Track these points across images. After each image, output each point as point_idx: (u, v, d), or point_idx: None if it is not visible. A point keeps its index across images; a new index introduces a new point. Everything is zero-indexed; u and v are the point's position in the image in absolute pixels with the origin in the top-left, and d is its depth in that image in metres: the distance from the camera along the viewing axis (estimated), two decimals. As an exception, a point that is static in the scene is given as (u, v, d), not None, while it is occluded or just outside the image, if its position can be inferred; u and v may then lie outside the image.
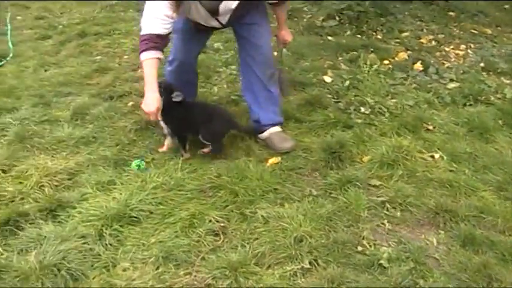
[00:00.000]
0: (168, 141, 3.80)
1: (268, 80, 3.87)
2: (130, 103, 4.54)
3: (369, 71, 4.97)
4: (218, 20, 3.59)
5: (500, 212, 3.18)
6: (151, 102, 3.39)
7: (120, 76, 5.16)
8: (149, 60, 3.36)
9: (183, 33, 3.78)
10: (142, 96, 4.52)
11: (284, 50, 4.47)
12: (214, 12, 3.50)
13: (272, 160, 3.66)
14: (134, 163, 3.59)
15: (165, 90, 3.53)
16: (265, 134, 3.89)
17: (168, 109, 3.56)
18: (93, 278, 2.67)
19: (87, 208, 3.12)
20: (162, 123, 3.67)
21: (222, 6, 3.46)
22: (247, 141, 3.88)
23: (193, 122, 3.66)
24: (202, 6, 3.44)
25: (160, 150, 3.80)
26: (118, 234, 2.95)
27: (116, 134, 4.05)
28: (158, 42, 3.34)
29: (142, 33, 3.39)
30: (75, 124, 4.19)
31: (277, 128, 3.93)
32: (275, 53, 4.15)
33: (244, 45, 3.85)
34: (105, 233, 2.93)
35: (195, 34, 3.80)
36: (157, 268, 2.73)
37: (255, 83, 3.87)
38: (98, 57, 5.75)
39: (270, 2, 3.77)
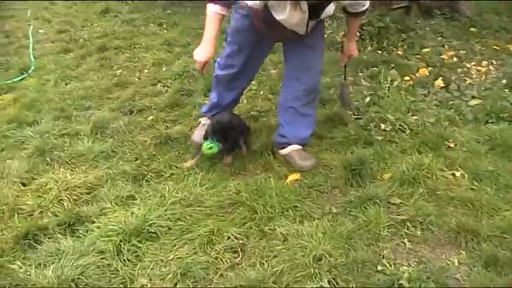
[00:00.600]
0: (196, 158, 3.80)
1: (309, 102, 3.85)
2: (150, 117, 4.56)
3: (389, 87, 4.93)
4: (307, 27, 3.48)
5: (523, 232, 3.12)
6: (203, 53, 3.41)
7: (140, 90, 5.19)
8: (214, 14, 3.34)
9: (249, 48, 3.70)
10: (162, 110, 4.62)
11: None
12: (317, 15, 3.41)
13: (292, 177, 3.64)
14: (206, 145, 3.63)
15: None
16: (286, 151, 3.87)
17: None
18: (111, 294, 2.67)
19: (105, 223, 3.14)
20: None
21: (326, 10, 3.40)
22: (267, 157, 3.86)
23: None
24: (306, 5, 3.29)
25: (186, 166, 3.77)
26: (136, 250, 2.95)
27: (135, 148, 4.07)
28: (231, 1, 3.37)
29: None
30: (95, 138, 4.22)
31: (299, 146, 3.90)
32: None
33: (294, 64, 3.76)
34: (124, 248, 2.93)
35: (260, 47, 3.75)
36: (175, 285, 2.73)
37: (294, 103, 3.82)
38: (118, 71, 5.79)
39: (351, 11, 3.65)
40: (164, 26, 7.34)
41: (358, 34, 3.92)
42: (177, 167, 3.79)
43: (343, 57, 4.09)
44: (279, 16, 3.34)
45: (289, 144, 3.87)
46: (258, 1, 3.30)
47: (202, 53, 3.41)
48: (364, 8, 3.60)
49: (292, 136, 3.87)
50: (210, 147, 3.58)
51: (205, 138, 3.69)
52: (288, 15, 3.31)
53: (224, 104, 4.02)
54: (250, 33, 3.59)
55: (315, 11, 3.34)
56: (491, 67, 5.93)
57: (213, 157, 3.74)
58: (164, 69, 5.71)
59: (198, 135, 4.02)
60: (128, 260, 2.88)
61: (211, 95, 4.16)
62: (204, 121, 4.13)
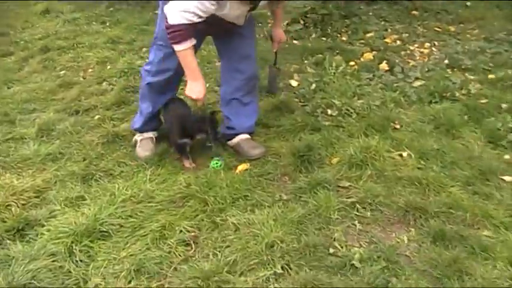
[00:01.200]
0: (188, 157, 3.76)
1: (250, 90, 3.87)
2: (97, 116, 4.50)
3: (334, 73, 4.98)
4: (246, 18, 3.53)
5: (468, 207, 3.20)
6: (200, 88, 3.41)
7: (85, 90, 5.11)
8: (188, 50, 3.27)
9: None
10: (108, 109, 4.56)
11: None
12: (256, 5, 3.45)
13: (241, 167, 3.65)
14: (213, 163, 3.67)
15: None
16: (234, 141, 3.88)
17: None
18: (65, 296, 2.65)
19: (55, 225, 3.09)
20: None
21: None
22: (215, 149, 3.85)
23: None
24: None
25: (187, 166, 3.73)
26: (88, 250, 2.92)
27: (83, 148, 4.02)
28: (191, 30, 3.23)
29: (172, 23, 3.18)
30: (40, 141, 4.14)
31: (247, 136, 3.92)
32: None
33: (232, 56, 3.77)
34: (75, 249, 2.90)
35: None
36: (130, 282, 2.72)
37: (236, 94, 3.83)
38: (62, 71, 5.68)
39: None
40: (107, 24, 7.23)
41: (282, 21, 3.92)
42: (126, 165, 3.76)
43: (273, 44, 4.14)
44: (220, 12, 3.31)
45: (237, 134, 3.88)
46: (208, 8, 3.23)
47: (199, 88, 3.41)
48: None
49: (239, 127, 3.89)
50: (219, 164, 3.66)
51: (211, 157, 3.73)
52: (229, 9, 3.31)
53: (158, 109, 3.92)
54: None
55: (255, 2, 3.39)
56: (433, 48, 6.06)
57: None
58: (109, 67, 5.63)
59: (143, 150, 3.92)
60: (81, 261, 2.84)
61: (141, 107, 3.97)
62: (139, 137, 4.00)
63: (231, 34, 3.65)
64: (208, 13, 3.21)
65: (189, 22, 3.17)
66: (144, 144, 3.92)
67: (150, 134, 3.98)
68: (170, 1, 3.19)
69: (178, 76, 3.76)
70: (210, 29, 3.53)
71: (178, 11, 3.14)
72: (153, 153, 3.83)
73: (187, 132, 3.64)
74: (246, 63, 3.76)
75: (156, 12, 6.78)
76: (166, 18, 3.21)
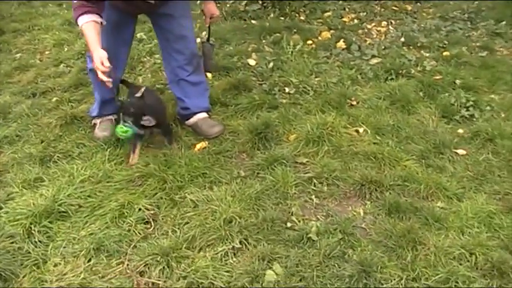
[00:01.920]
0: (137, 150, 3.57)
1: (195, 69, 3.85)
2: (55, 99, 4.45)
3: (292, 52, 5.01)
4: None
5: (423, 180, 3.29)
6: (96, 57, 3.12)
7: (42, 72, 5.04)
8: (87, 23, 3.13)
9: (111, 24, 3.42)
10: (66, 91, 4.53)
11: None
12: None
13: (199, 145, 3.67)
14: (120, 128, 3.34)
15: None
16: (192, 120, 3.89)
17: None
18: (24, 277, 2.66)
19: (13, 207, 3.08)
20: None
21: None
22: (174, 128, 3.87)
23: None
24: None
25: (132, 163, 3.51)
26: (47, 231, 2.92)
27: (40, 131, 3.98)
28: (93, 6, 3.12)
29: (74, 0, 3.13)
30: (-4, 124, 4.09)
31: (204, 114, 3.93)
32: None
33: (168, 38, 3.73)
34: (34, 230, 2.90)
35: (122, 23, 3.58)
36: (89, 260, 2.73)
37: (181, 74, 3.82)
38: (18, 54, 5.58)
39: None
40: (64, 6, 7.09)
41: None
42: (84, 146, 3.74)
43: (205, 20, 4.02)
44: None
45: (194, 113, 3.90)
46: None
47: (95, 58, 3.15)
48: None
49: (194, 106, 3.90)
50: (125, 131, 3.33)
51: (117, 122, 3.46)
52: None
53: (109, 97, 3.79)
54: (107, 10, 3.34)
55: None
56: (390, 27, 6.14)
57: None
58: (66, 49, 5.56)
59: (100, 131, 3.89)
60: (40, 242, 2.85)
61: (95, 95, 3.96)
62: (98, 120, 3.97)
63: (160, 15, 3.63)
64: None
65: None
66: (103, 125, 3.90)
67: (110, 117, 3.95)
68: None
69: (115, 58, 3.54)
70: (129, 8, 3.51)
71: None
72: (111, 134, 3.79)
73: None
74: (183, 43, 3.73)
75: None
76: None
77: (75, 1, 3.13)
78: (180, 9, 3.66)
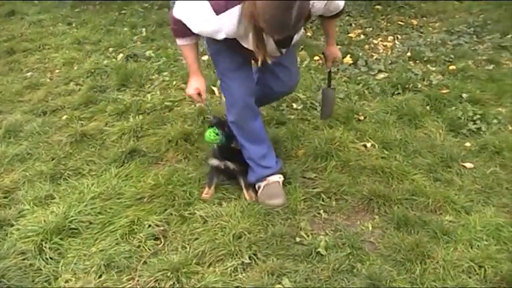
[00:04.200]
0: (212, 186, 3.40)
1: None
2: (65, 117, 4.50)
3: (299, 68, 5.04)
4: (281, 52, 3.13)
5: (430, 193, 3.31)
6: (193, 84, 3.21)
7: (52, 91, 5.10)
8: (187, 45, 3.11)
9: (239, 70, 3.25)
10: (76, 109, 4.58)
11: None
12: (287, 44, 3.08)
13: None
14: (211, 131, 3.27)
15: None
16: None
17: None
18: (35, 293, 2.67)
19: (25, 224, 3.11)
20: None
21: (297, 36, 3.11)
22: (185, 145, 3.91)
23: None
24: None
25: (205, 197, 3.35)
26: (58, 247, 2.94)
27: (51, 148, 4.02)
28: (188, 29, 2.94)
29: (178, 17, 2.93)
30: (8, 142, 4.14)
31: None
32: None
33: (272, 81, 3.48)
34: (45, 247, 2.92)
35: (246, 66, 3.29)
36: (100, 276, 2.74)
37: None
38: (29, 73, 5.66)
39: (328, 15, 3.22)
40: (73, 25, 7.20)
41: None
42: (94, 163, 3.78)
43: (327, 64, 3.73)
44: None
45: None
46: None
47: (193, 83, 3.21)
48: (340, 9, 3.20)
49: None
50: (216, 133, 3.25)
51: (211, 126, 3.32)
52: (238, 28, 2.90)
53: None
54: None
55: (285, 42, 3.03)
56: (396, 41, 6.19)
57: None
58: (76, 68, 5.63)
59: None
60: (51, 258, 2.87)
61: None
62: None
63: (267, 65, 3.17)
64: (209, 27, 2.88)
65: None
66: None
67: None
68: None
69: None
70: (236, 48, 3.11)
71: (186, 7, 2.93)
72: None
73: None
74: (284, 89, 3.61)
75: (123, 12, 6.81)
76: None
77: (176, 17, 2.95)
78: (291, 57, 3.48)
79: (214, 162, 3.39)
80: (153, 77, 5.20)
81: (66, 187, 3.49)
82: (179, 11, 2.92)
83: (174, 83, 4.98)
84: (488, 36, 6.23)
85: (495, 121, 4.20)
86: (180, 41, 3.10)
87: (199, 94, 3.22)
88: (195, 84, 3.21)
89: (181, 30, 2.97)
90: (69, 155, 3.92)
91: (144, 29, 6.74)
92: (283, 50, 3.14)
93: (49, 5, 8.20)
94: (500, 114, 4.32)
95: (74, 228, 3.06)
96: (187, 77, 4.73)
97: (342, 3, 3.13)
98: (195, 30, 2.90)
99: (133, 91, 4.82)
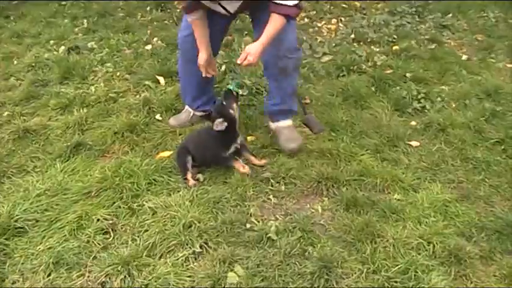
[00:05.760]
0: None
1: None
2: (6, 113, 4.37)
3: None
4: (222, 6, 3.35)
5: (378, 173, 3.36)
6: (198, 57, 3.55)
7: (-9, 87, 4.96)
8: (193, 21, 3.46)
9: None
10: (17, 105, 4.45)
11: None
12: None
13: (162, 154, 3.64)
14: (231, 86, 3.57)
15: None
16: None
17: None
18: (-19, 297, 2.61)
19: (-33, 226, 3.02)
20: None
21: None
22: (132, 137, 3.85)
23: None
24: None
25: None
26: (4, 248, 2.87)
27: (-8, 146, 3.91)
28: (192, 5, 3.38)
29: None
30: None
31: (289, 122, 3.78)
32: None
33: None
34: (-10, 249, 2.85)
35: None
36: (49, 275, 2.69)
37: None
38: (-34, 70, 5.49)
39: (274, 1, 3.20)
40: (12, 18, 6.99)
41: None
42: (39, 159, 3.69)
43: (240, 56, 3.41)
44: None
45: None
46: None
47: (200, 55, 3.54)
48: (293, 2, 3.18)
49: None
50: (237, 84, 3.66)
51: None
52: None
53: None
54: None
55: None
56: (340, 24, 6.25)
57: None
58: (15, 62, 5.46)
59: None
60: (-4, 260, 2.81)
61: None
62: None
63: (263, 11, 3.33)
64: None
65: None
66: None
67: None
68: None
69: None
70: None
71: None
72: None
73: None
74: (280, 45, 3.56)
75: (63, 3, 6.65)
76: None
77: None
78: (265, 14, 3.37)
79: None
80: (97, 68, 5.09)
81: (10, 185, 3.40)
82: None
83: (118, 73, 4.90)
84: (430, 16, 6.35)
85: (439, 99, 4.29)
86: (188, 17, 3.47)
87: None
88: (203, 57, 3.54)
89: (185, 6, 3.41)
90: (12, 152, 3.81)
91: (85, 20, 6.59)
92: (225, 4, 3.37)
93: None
94: (443, 92, 4.41)
95: (20, 227, 2.98)
96: (130, 68, 4.73)
97: None
98: None
99: (77, 84, 4.71)
